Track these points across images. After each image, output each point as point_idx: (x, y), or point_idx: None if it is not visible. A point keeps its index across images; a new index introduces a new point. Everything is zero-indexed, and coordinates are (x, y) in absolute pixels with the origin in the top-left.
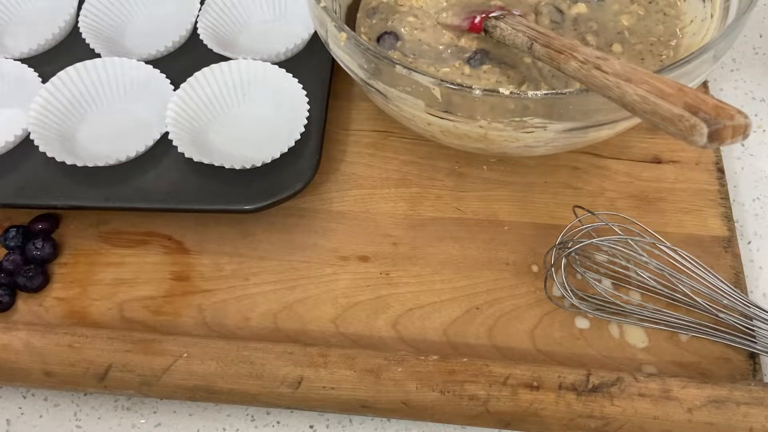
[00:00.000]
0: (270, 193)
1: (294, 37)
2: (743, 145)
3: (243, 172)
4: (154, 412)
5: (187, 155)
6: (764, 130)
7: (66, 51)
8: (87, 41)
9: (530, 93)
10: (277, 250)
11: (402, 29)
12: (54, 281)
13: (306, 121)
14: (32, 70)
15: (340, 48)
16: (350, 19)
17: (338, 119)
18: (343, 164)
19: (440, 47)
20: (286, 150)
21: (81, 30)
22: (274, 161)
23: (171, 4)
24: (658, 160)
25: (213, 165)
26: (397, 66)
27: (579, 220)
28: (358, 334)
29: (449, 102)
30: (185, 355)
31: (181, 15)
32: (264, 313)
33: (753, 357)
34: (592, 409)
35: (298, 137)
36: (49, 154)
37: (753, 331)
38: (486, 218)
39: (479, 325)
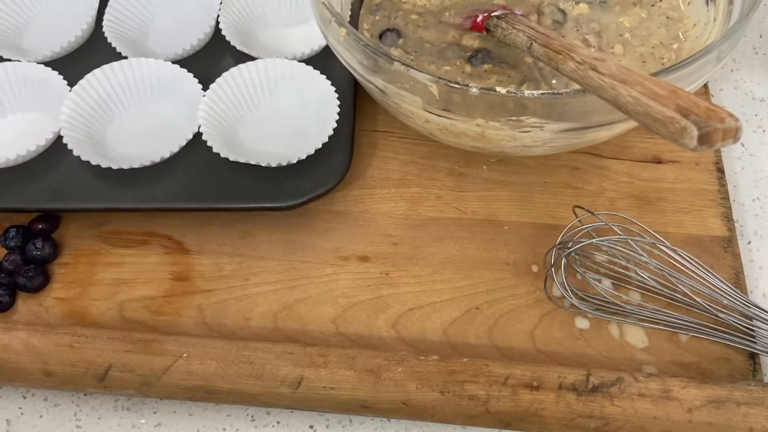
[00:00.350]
0: (304, 190)
1: (319, 36)
2: (743, 145)
3: (275, 170)
4: (154, 412)
5: (222, 155)
6: (764, 130)
7: (88, 54)
8: (113, 45)
9: (527, 92)
10: (277, 250)
11: (404, 27)
12: (54, 281)
13: (338, 117)
14: (57, 73)
15: (340, 43)
16: (353, 15)
17: None
18: None
19: (442, 45)
20: (320, 146)
21: (105, 33)
22: (308, 157)
23: (191, 4)
24: (658, 160)
25: (244, 164)
26: (395, 63)
27: (579, 220)
28: (358, 334)
29: (447, 100)
30: (185, 355)
31: (202, 13)
32: (264, 313)
33: (753, 357)
34: (592, 409)
35: (331, 133)
36: (83, 158)
37: (753, 331)
38: (486, 218)
39: (479, 325)
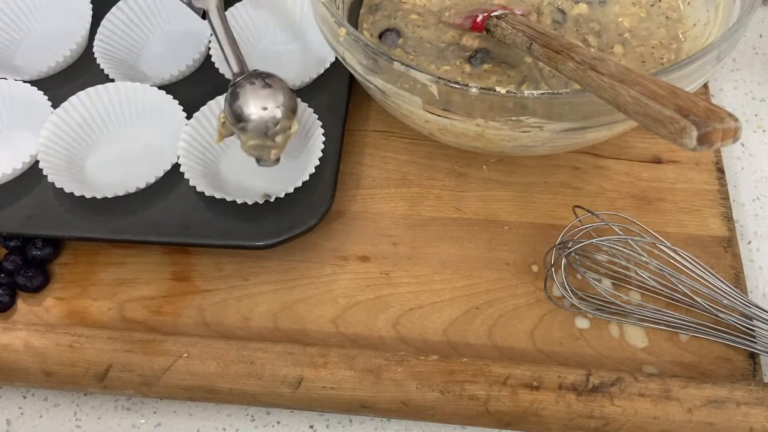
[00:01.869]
0: (283, 228)
1: (309, 69)
2: (743, 145)
3: (254, 205)
4: (154, 412)
5: (198, 189)
6: (764, 130)
7: (77, 74)
8: (101, 66)
9: (526, 92)
10: (277, 250)
11: (404, 26)
12: (54, 281)
13: (321, 154)
14: (42, 93)
15: (339, 43)
16: (354, 16)
17: None
18: (343, 164)
19: (442, 45)
20: (300, 184)
21: (96, 54)
22: (287, 194)
23: (187, 25)
24: (658, 160)
25: (222, 197)
26: (395, 63)
27: (579, 220)
28: (358, 334)
29: (447, 100)
30: (185, 355)
31: (196, 36)
32: (264, 313)
33: (753, 357)
34: (592, 409)
35: (313, 170)
36: (57, 185)
37: (753, 331)
38: (486, 218)
39: (479, 325)
